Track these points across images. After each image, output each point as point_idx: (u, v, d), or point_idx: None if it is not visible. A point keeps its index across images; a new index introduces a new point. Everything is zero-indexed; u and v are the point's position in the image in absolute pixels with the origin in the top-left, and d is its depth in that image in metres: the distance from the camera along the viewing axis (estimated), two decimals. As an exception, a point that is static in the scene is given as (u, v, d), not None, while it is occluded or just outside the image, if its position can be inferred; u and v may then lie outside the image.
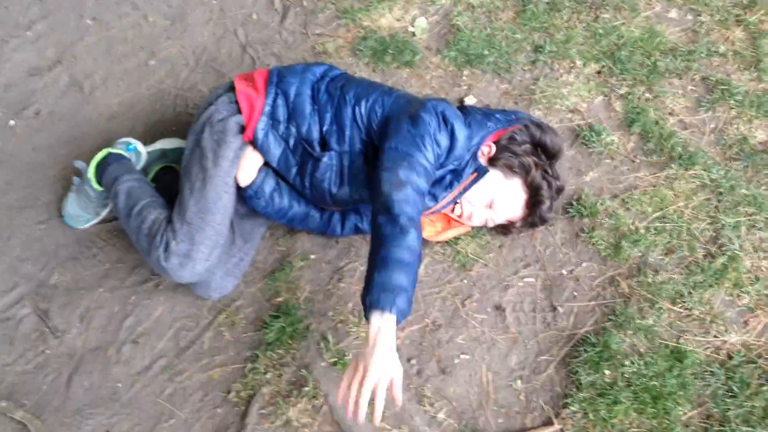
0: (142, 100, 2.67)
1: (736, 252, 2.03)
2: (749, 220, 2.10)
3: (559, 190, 2.06)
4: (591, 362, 1.86)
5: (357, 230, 2.15)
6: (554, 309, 2.00)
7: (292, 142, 1.98)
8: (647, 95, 2.44)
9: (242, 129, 2.00)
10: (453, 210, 2.02)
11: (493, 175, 1.96)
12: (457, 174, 1.92)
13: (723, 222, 2.09)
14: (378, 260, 1.63)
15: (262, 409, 1.88)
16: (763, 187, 2.19)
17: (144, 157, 2.31)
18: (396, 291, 1.58)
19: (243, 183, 1.99)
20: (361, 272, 2.12)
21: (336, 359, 1.94)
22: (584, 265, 2.08)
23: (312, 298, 2.09)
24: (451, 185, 1.92)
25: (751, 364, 1.85)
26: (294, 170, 1.99)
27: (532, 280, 2.07)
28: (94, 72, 2.77)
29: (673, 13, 2.72)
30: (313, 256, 2.18)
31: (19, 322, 2.13)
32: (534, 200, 1.99)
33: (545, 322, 1.99)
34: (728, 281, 1.98)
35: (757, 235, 2.09)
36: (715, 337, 1.90)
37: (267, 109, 1.97)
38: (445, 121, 1.84)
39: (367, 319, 1.59)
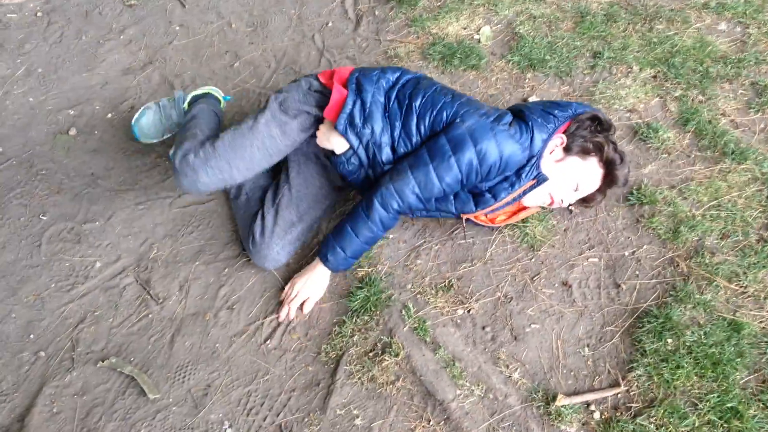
0: (228, 97, 2.89)
1: (788, 238, 2.18)
2: (799, 209, 2.26)
3: (623, 157, 2.18)
4: (654, 332, 2.01)
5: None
6: (618, 286, 2.16)
7: (365, 140, 2.17)
8: (700, 98, 2.62)
9: (314, 122, 2.27)
10: (550, 203, 2.20)
11: (572, 160, 2.14)
12: (518, 177, 2.10)
13: (774, 210, 2.25)
14: (338, 225, 2.18)
15: (350, 367, 2.05)
16: (812, 181, 2.35)
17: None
18: (336, 253, 2.15)
19: (339, 150, 2.21)
20: (436, 251, 2.30)
21: (417, 325, 2.10)
22: (645, 247, 2.24)
23: (392, 272, 2.27)
24: (512, 186, 2.11)
25: (804, 337, 2.00)
26: (366, 162, 2.22)
27: (596, 260, 2.23)
28: (183, 72, 3.01)
29: (723, 26, 2.91)
30: (391, 236, 2.36)
31: (122, 290, 2.33)
32: (610, 170, 2.15)
33: (609, 297, 2.15)
34: (781, 263, 2.14)
35: (806, 224, 2.24)
36: (769, 312, 2.05)
37: (347, 110, 2.16)
38: (498, 142, 2.02)
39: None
